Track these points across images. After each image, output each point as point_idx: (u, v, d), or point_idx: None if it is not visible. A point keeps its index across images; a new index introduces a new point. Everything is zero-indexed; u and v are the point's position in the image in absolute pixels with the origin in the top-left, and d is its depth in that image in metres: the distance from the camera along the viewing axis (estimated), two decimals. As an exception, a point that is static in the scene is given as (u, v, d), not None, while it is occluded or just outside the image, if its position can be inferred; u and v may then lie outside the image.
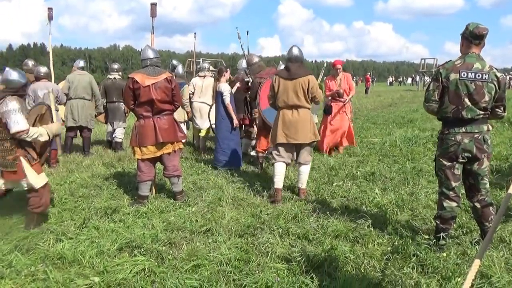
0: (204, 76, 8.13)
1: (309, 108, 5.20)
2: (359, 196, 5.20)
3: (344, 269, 3.32)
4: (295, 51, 5.19)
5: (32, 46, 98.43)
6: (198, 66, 10.79)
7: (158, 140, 4.88)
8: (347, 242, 3.80)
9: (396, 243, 3.75)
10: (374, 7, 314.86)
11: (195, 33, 10.01)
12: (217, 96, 6.76)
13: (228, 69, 7.16)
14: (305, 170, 5.31)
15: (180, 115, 7.95)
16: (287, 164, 5.30)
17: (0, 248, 3.76)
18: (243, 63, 8.39)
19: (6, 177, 4.18)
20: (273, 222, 4.27)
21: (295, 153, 5.29)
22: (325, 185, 5.74)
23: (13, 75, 4.21)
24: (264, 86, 6.28)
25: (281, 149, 5.19)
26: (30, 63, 7.76)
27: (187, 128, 8.65)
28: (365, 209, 4.71)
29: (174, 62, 8.98)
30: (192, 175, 6.36)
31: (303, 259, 3.41)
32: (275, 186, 5.15)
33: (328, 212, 4.52)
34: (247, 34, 9.74)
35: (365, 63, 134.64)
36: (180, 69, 8.41)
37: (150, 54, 5.07)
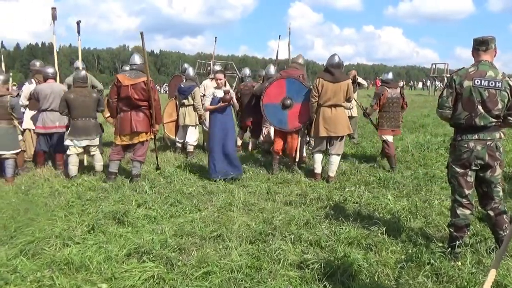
0: (213, 78, 8.18)
1: (344, 107, 6.29)
2: (371, 202, 5.10)
3: (358, 277, 3.23)
4: (337, 58, 6.25)
5: (40, 45, 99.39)
6: (209, 68, 10.78)
7: (133, 129, 5.97)
8: (360, 250, 3.71)
9: (410, 251, 3.65)
10: (384, 11, 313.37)
11: (215, 37, 10.02)
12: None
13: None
14: (336, 160, 6.24)
15: (192, 118, 7.91)
16: (322, 153, 6.41)
17: (5, 252, 3.71)
18: (270, 68, 8.39)
19: None
20: (285, 228, 4.18)
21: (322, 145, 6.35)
22: (337, 191, 5.66)
23: None
24: (272, 85, 6.73)
25: (320, 141, 6.27)
26: (38, 63, 7.77)
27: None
28: (378, 215, 4.62)
29: (186, 65, 8.98)
30: (202, 179, 6.30)
31: (316, 267, 3.32)
32: (315, 171, 6.34)
33: (340, 218, 4.43)
34: (279, 38, 9.86)
35: (376, 67, 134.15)
36: (190, 71, 8.36)
37: (137, 60, 6.21)
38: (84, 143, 6.35)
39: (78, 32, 7.30)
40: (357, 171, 6.64)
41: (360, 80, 8.88)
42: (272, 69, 8.42)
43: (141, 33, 5.93)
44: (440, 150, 8.23)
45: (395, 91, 7.06)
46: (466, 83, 3.42)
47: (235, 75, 28.48)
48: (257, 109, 8.29)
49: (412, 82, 68.74)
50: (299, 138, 6.71)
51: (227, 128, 6.27)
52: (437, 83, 35.82)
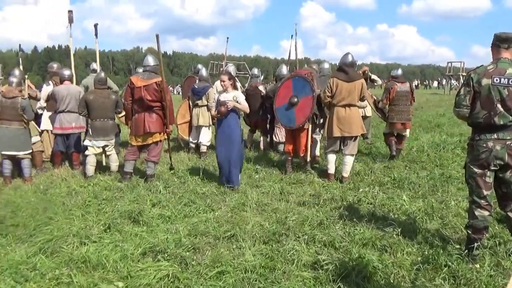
0: None
1: (358, 106, 6.24)
2: (386, 203, 5.05)
3: (373, 279, 3.21)
4: (350, 57, 6.21)
5: (57, 48, 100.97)
6: (221, 69, 10.83)
7: (146, 130, 6.04)
8: (375, 251, 3.69)
9: (426, 253, 3.62)
10: (398, 10, 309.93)
11: (227, 38, 10.09)
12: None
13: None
14: (349, 160, 6.19)
15: (205, 119, 7.96)
16: (335, 153, 6.37)
17: (25, 250, 3.79)
18: (282, 68, 8.43)
19: None
20: (298, 228, 4.18)
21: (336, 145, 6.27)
22: (351, 191, 5.63)
23: None
24: (282, 86, 6.89)
25: (333, 141, 6.21)
26: (55, 65, 7.91)
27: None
28: (392, 216, 4.58)
29: (199, 65, 9.04)
30: (215, 179, 6.32)
31: (330, 268, 3.31)
32: (329, 172, 6.30)
33: (354, 219, 4.41)
34: (291, 38, 9.83)
35: (390, 66, 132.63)
36: (204, 72, 8.42)
37: (151, 62, 6.29)
38: (102, 143, 6.46)
39: (96, 34, 7.40)
40: (371, 172, 6.59)
41: (373, 76, 8.82)
42: (284, 69, 8.49)
43: (157, 35, 5.96)
44: (457, 150, 8.11)
45: (405, 85, 7.74)
46: (485, 81, 3.36)
47: (248, 75, 28.50)
48: (266, 109, 8.40)
49: (427, 81, 67.85)
50: (308, 136, 6.65)
51: (231, 136, 5.86)
52: (453, 81, 35.33)
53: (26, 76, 7.17)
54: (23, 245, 3.93)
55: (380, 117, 8.14)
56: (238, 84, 8.71)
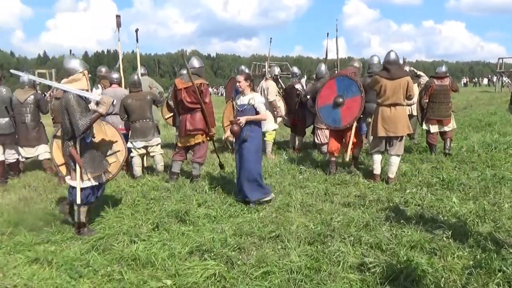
0: (266, 79, 8.34)
1: (404, 105, 6.07)
2: (434, 205, 4.90)
3: (422, 282, 3.12)
4: (393, 55, 6.05)
5: (105, 52, 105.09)
6: (264, 70, 10.90)
7: (187, 132, 6.15)
8: (423, 254, 3.59)
9: (479, 257, 3.48)
10: (445, 5, 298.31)
11: (271, 38, 10.15)
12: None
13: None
14: (395, 161, 6.05)
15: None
16: (381, 153, 6.23)
17: (78, 247, 3.98)
18: (321, 68, 8.43)
19: None
20: (343, 230, 4.14)
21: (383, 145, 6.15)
22: (397, 192, 5.50)
23: None
24: (324, 87, 6.84)
25: (378, 142, 6.09)
26: (103, 69, 8.22)
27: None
28: (442, 218, 4.43)
29: (242, 66, 9.15)
30: (258, 179, 6.37)
31: (377, 270, 3.25)
32: (374, 172, 6.19)
33: (401, 221, 4.30)
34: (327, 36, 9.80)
35: (436, 64, 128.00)
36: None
37: (195, 64, 6.37)
38: (141, 144, 6.64)
39: (137, 40, 7.62)
40: (418, 172, 6.40)
41: (419, 72, 8.66)
42: (323, 68, 8.42)
43: (182, 54, 6.12)
44: (510, 150, 7.73)
45: (444, 81, 7.72)
46: None
47: (290, 75, 28.37)
48: (303, 108, 8.38)
49: (476, 79, 64.94)
50: (351, 137, 6.56)
51: (246, 145, 5.22)
52: (504, 78, 33.49)
53: None
54: (77, 242, 4.12)
55: (418, 119, 8.20)
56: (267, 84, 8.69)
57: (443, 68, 7.94)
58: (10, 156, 6.91)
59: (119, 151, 4.99)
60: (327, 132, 8.01)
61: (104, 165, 4.38)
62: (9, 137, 6.77)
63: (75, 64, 4.25)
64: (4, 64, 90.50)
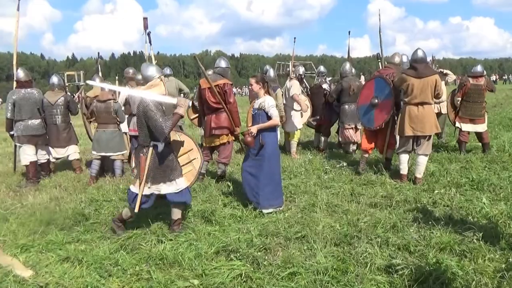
0: (290, 79, 8.33)
1: (431, 104, 5.95)
2: (464, 206, 4.78)
3: (452, 285, 3.06)
4: (420, 53, 5.92)
5: (132, 54, 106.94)
6: (288, 69, 10.88)
7: (211, 132, 6.21)
8: (453, 256, 3.51)
9: (511, 259, 3.37)
10: (473, 1, 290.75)
11: (294, 38, 10.13)
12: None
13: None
14: (423, 160, 5.94)
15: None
16: (408, 153, 6.11)
17: (108, 246, 4.05)
18: (346, 66, 8.37)
19: None
20: (370, 231, 4.09)
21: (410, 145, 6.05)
22: (425, 193, 5.39)
23: None
24: (365, 86, 6.93)
25: (405, 141, 6.00)
26: (131, 71, 8.37)
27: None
28: (471, 220, 4.32)
29: (267, 66, 9.14)
30: (284, 179, 6.35)
31: (406, 272, 3.20)
32: (401, 172, 6.09)
33: (430, 222, 4.22)
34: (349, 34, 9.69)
35: (464, 61, 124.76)
36: (271, 73, 8.49)
37: (222, 64, 6.44)
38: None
39: (150, 42, 7.70)
40: (446, 172, 6.26)
41: (445, 71, 8.49)
42: (347, 67, 8.33)
43: (195, 57, 6.17)
44: (543, 149, 7.47)
45: (479, 81, 7.63)
46: None
47: (315, 75, 28.25)
48: (329, 108, 8.32)
49: (506, 76, 62.89)
50: (387, 137, 6.53)
51: (261, 152, 5.05)
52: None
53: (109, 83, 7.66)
54: (106, 242, 4.21)
55: (449, 117, 8.14)
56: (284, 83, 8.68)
57: (479, 68, 7.87)
58: (42, 156, 7.13)
59: (195, 159, 4.99)
60: (351, 131, 7.98)
61: (174, 175, 4.31)
62: (41, 137, 6.99)
63: (152, 71, 4.35)
64: (35, 66, 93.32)
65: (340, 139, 8.42)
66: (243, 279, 3.29)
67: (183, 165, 4.70)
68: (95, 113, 6.81)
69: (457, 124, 7.79)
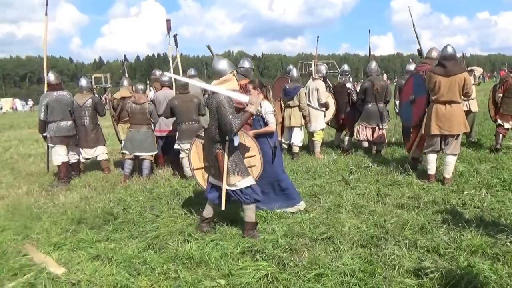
0: (314, 79, 8.29)
1: (460, 103, 5.79)
2: (495, 207, 4.65)
3: (485, 290, 2.97)
4: (450, 49, 5.74)
5: (156, 56, 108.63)
6: (310, 69, 10.84)
7: None
8: (485, 259, 3.41)
9: (547, 264, 3.26)
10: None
11: (317, 37, 10.06)
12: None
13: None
14: (452, 160, 5.81)
15: (297, 119, 7.99)
16: (436, 153, 5.97)
17: (136, 245, 4.12)
18: (372, 65, 8.32)
19: None
20: (398, 232, 4.01)
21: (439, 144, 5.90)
22: (454, 194, 5.25)
23: None
24: (407, 83, 6.89)
25: (432, 140, 5.87)
26: (158, 72, 8.50)
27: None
28: (504, 222, 4.18)
29: (290, 66, 9.13)
30: (308, 179, 6.33)
31: (436, 276, 3.12)
32: (429, 172, 5.95)
33: (460, 224, 4.10)
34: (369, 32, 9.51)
35: (492, 57, 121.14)
36: (295, 72, 8.47)
37: (245, 64, 6.31)
38: (188, 146, 6.78)
39: (176, 44, 7.80)
40: (476, 173, 6.08)
41: (472, 68, 8.31)
42: (373, 66, 8.27)
43: (208, 46, 6.10)
44: None
45: None
46: None
47: (337, 74, 28.02)
48: (353, 107, 8.26)
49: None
50: (419, 135, 6.41)
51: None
52: None
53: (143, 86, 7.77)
54: (134, 241, 4.28)
55: (490, 114, 8.00)
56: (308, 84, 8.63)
57: None
58: (72, 157, 7.33)
59: (254, 166, 4.69)
60: (369, 131, 7.95)
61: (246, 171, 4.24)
62: (72, 138, 7.22)
63: (224, 65, 4.19)
64: (64, 69, 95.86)
65: (356, 136, 8.37)
66: (269, 280, 3.28)
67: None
68: (129, 114, 6.99)
69: (499, 121, 7.65)
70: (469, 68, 8.28)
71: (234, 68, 4.24)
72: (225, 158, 4.07)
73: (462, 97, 5.85)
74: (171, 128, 7.40)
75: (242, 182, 4.15)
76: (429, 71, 5.96)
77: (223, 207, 4.18)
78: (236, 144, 4.11)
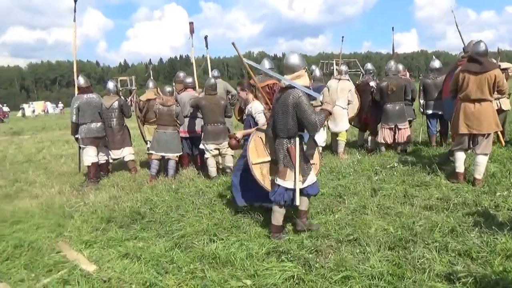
0: (340, 79, 8.20)
1: (491, 101, 5.56)
2: (530, 210, 4.47)
3: (521, 296, 2.87)
4: (483, 46, 5.56)
5: (178, 58, 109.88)
6: (332, 68, 10.77)
7: None
8: (521, 264, 3.28)
9: None
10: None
11: (342, 37, 10.01)
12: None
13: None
14: (482, 160, 5.59)
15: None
16: (465, 151, 5.82)
17: (163, 244, 4.19)
18: (390, 63, 8.22)
19: None
20: (427, 235, 3.91)
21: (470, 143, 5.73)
22: (486, 195, 5.07)
23: None
24: (446, 79, 6.91)
25: (462, 138, 5.69)
26: (181, 74, 8.59)
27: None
28: (540, 225, 4.02)
29: (313, 66, 9.10)
30: (332, 180, 6.26)
31: (469, 281, 3.03)
32: (457, 170, 5.78)
33: (493, 227, 3.95)
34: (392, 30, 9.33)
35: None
36: (317, 72, 8.42)
37: (266, 65, 6.40)
38: (213, 146, 6.84)
39: (206, 46, 7.84)
40: (509, 173, 5.84)
41: (504, 65, 8.00)
42: (391, 65, 8.24)
43: (233, 43, 6.02)
44: None
45: None
46: None
47: (360, 72, 27.60)
48: (376, 106, 8.11)
49: None
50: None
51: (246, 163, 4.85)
52: None
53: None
54: (161, 240, 4.35)
55: None
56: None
57: None
58: (101, 157, 7.54)
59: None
60: (388, 131, 7.95)
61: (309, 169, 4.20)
62: (102, 139, 7.43)
63: (295, 59, 4.07)
64: (91, 73, 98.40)
65: (377, 138, 8.24)
66: (295, 281, 3.27)
67: None
68: (157, 115, 7.11)
69: None
70: (502, 67, 8.00)
71: (305, 64, 4.15)
72: (296, 153, 3.99)
73: (496, 94, 5.67)
74: (196, 129, 7.47)
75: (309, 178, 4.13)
76: (459, 69, 5.79)
77: (297, 202, 4.04)
78: (306, 140, 4.10)
